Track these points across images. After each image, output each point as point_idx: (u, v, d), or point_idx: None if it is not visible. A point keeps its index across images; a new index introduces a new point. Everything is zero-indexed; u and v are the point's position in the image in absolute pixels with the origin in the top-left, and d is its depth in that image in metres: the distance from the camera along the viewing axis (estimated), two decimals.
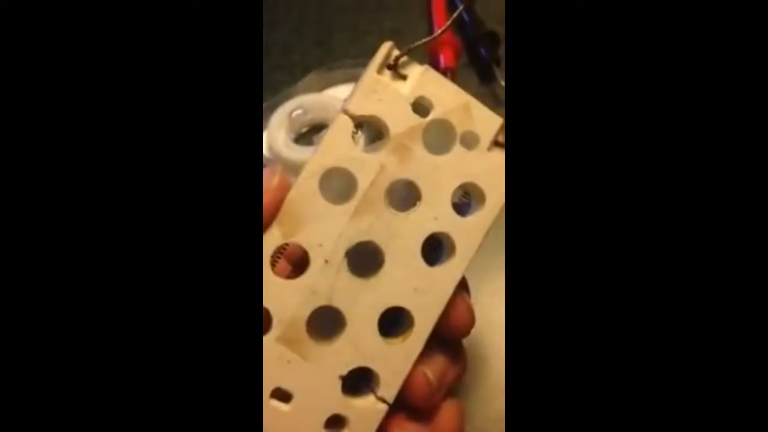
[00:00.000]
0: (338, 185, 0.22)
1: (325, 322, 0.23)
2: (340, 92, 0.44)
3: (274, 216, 0.22)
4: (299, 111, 0.42)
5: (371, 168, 0.22)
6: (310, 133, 0.42)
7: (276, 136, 0.40)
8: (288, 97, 0.42)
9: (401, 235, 0.22)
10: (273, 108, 0.42)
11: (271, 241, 0.22)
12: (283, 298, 0.22)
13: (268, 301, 0.22)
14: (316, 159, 0.22)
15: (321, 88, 0.44)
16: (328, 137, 0.22)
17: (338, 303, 0.22)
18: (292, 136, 0.41)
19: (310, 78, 0.44)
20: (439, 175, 0.23)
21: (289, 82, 0.44)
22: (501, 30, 0.46)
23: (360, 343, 0.23)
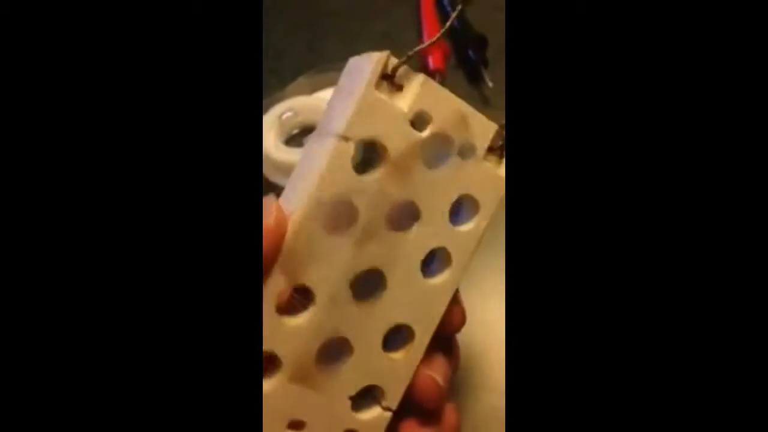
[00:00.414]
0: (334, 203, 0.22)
1: (332, 349, 0.23)
2: (330, 95, 0.44)
3: (275, 259, 0.20)
4: (289, 113, 0.42)
5: (372, 194, 0.21)
6: (300, 135, 0.43)
7: (266, 138, 0.41)
8: (278, 100, 0.42)
9: (403, 256, 0.22)
10: (263, 111, 0.42)
11: (275, 287, 0.21)
12: (291, 339, 0.21)
13: (276, 345, 0.21)
14: (316, 193, 0.20)
15: (311, 90, 0.44)
16: (326, 167, 0.20)
17: (345, 332, 0.22)
18: (282, 138, 0.42)
19: (301, 81, 0.44)
20: (437, 191, 0.22)
21: (280, 86, 0.44)
22: (489, 33, 0.46)
23: (367, 364, 0.23)
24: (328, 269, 0.21)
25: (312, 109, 0.42)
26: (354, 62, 0.22)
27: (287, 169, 0.22)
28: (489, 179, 0.23)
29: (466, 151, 0.23)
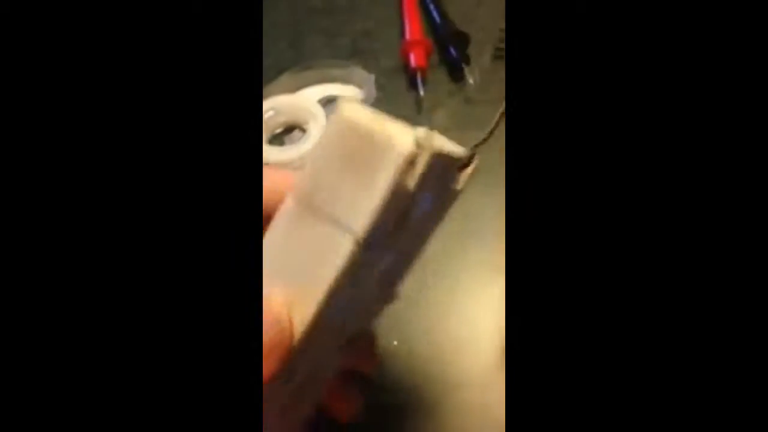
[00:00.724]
0: None
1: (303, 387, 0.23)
2: (313, 93, 0.45)
3: (279, 371, 0.19)
4: (272, 112, 0.42)
5: (374, 276, 0.21)
6: (283, 134, 0.43)
7: None
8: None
9: (373, 289, 0.23)
10: None
11: (274, 391, 0.20)
12: (273, 406, 0.21)
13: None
14: (325, 302, 0.19)
15: (294, 89, 0.44)
16: (342, 272, 0.18)
17: (316, 371, 0.23)
18: (266, 137, 0.41)
19: (283, 79, 0.44)
20: (413, 231, 0.22)
21: (263, 85, 0.44)
22: (470, 30, 0.46)
23: (325, 374, 0.24)
24: (318, 350, 0.21)
25: (295, 107, 0.42)
26: (355, 121, 0.18)
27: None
28: (448, 197, 0.23)
29: (442, 193, 0.22)
